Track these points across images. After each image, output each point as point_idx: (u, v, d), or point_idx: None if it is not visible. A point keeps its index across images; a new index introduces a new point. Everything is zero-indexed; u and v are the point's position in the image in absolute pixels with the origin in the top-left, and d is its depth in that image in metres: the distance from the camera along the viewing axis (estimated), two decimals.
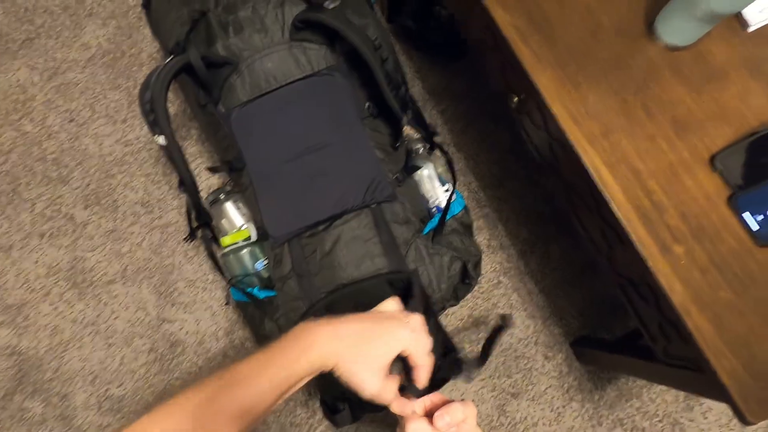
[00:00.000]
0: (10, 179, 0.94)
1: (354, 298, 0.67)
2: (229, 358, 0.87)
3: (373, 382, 0.41)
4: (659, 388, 0.84)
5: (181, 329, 0.88)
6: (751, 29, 0.57)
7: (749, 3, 0.49)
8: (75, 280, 0.90)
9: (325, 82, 0.70)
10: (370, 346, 0.41)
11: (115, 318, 0.88)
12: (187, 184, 0.68)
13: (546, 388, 0.85)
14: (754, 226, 0.50)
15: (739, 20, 0.57)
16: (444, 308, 0.71)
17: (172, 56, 0.65)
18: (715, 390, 0.48)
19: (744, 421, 0.46)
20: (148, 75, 0.66)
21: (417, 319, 0.45)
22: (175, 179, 0.95)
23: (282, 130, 0.70)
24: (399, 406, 0.44)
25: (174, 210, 0.93)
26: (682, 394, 0.83)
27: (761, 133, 0.53)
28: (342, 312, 0.67)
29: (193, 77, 0.68)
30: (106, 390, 0.85)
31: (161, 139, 0.65)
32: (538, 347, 0.86)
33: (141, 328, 0.88)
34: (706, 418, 0.83)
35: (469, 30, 0.70)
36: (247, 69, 0.68)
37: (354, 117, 0.71)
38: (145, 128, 0.97)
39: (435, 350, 0.54)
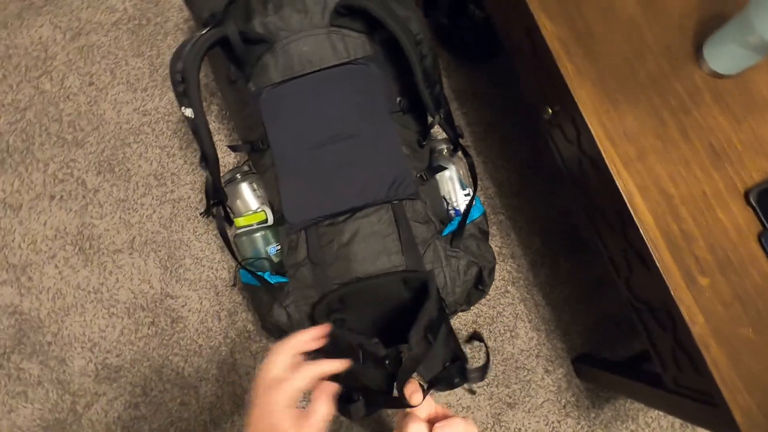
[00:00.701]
0: (25, 137, 0.92)
1: (367, 293, 0.67)
2: (229, 339, 0.87)
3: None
4: (656, 413, 0.84)
5: (184, 306, 0.87)
6: None
7: None
8: (82, 246, 0.89)
9: (360, 71, 0.69)
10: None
11: (119, 288, 0.88)
12: (210, 160, 0.67)
13: (543, 402, 0.85)
14: None
15: None
16: (456, 312, 0.71)
17: (208, 28, 0.63)
18: (726, 425, 0.48)
19: None
20: (182, 44, 0.65)
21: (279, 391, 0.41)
22: (191, 154, 0.94)
23: (311, 116, 0.69)
24: (412, 389, 0.44)
25: (187, 185, 0.92)
26: (677, 422, 0.84)
27: None
28: (355, 305, 0.67)
29: (227, 52, 0.67)
30: (104, 359, 0.85)
31: (189, 112, 0.64)
32: (540, 360, 0.86)
33: (144, 301, 0.87)
34: None
35: (508, 35, 0.69)
36: (282, 49, 0.67)
37: (385, 110, 0.70)
38: (165, 99, 0.96)
39: (444, 356, 0.54)
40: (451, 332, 0.58)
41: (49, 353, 0.85)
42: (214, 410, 0.83)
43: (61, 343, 0.85)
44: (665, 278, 0.50)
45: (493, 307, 0.88)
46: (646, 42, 0.57)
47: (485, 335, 0.87)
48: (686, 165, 0.53)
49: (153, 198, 0.91)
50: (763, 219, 0.51)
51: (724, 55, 0.55)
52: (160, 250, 0.89)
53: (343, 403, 0.56)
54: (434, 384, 0.50)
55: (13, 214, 0.89)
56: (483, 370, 0.52)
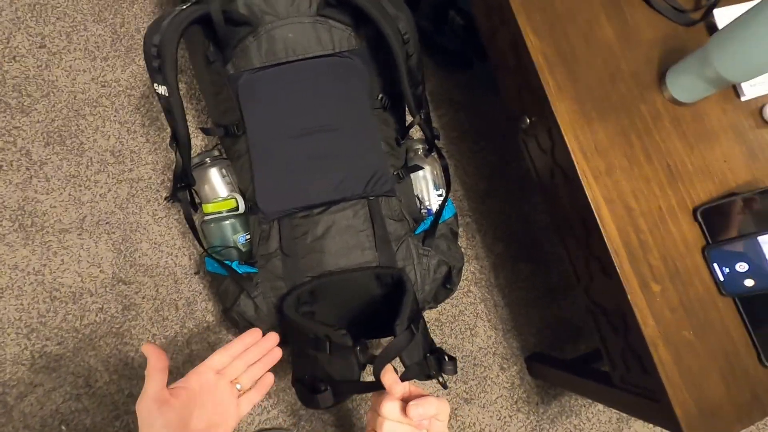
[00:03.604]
0: None
1: (338, 287, 0.67)
2: (186, 329, 0.83)
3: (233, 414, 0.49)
4: (596, 409, 0.91)
5: (137, 292, 0.82)
6: (743, 99, 0.63)
7: (752, 77, 0.54)
8: (22, 223, 0.81)
9: (344, 64, 0.68)
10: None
11: (64, 270, 0.81)
12: (182, 142, 0.64)
13: (497, 398, 0.89)
14: (720, 277, 0.56)
15: (736, 90, 0.63)
16: (423, 309, 0.73)
17: (190, 2, 0.60)
18: (666, 419, 0.53)
19: None
20: (160, 17, 0.61)
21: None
22: (153, 132, 0.88)
23: (291, 105, 0.67)
24: (388, 379, 0.45)
25: (148, 165, 0.87)
26: (614, 416, 0.91)
27: (738, 195, 0.59)
28: (325, 298, 0.67)
29: (207, 30, 0.64)
30: (43, 346, 0.78)
31: (162, 89, 0.61)
32: (496, 358, 0.90)
33: (93, 286, 0.81)
34: None
35: (494, 45, 0.71)
36: (266, 34, 0.65)
37: (366, 105, 0.70)
38: (127, 71, 0.90)
39: (421, 350, 0.55)
40: (425, 327, 0.59)
41: None
42: None
43: None
44: (624, 284, 0.54)
45: (456, 306, 0.91)
46: (619, 66, 0.61)
47: (447, 332, 0.90)
48: (647, 182, 0.58)
49: (109, 176, 0.85)
50: (706, 234, 0.57)
51: (684, 85, 0.60)
52: (113, 232, 0.83)
53: (309, 393, 0.56)
54: (412, 372, 0.52)
55: None
56: (455, 364, 0.54)
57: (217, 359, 0.50)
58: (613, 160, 0.58)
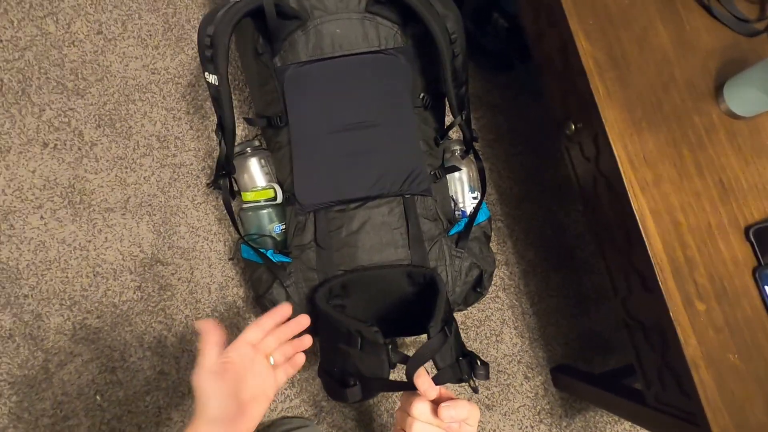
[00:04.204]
0: (21, 78, 0.87)
1: (370, 283, 0.67)
2: (218, 313, 0.85)
3: (270, 385, 0.50)
4: (622, 426, 0.88)
5: (173, 274, 0.85)
6: None
7: None
8: (72, 200, 0.85)
9: (389, 62, 0.68)
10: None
11: (107, 248, 0.84)
12: (227, 131, 0.66)
13: (519, 407, 0.87)
14: None
15: None
16: (453, 311, 0.72)
17: None
18: None
19: None
20: (213, 9, 0.63)
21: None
22: (197, 120, 0.91)
23: (335, 99, 0.68)
24: (423, 383, 0.45)
25: (190, 152, 0.89)
26: None
27: None
28: (356, 293, 0.67)
29: (258, 23, 0.66)
30: (84, 319, 0.82)
31: (213, 78, 0.63)
32: (521, 366, 0.89)
33: (132, 264, 0.84)
34: None
35: (540, 48, 0.70)
36: (314, 28, 0.66)
37: (408, 104, 0.70)
38: (176, 60, 0.93)
39: (453, 352, 0.55)
40: (457, 330, 0.59)
41: (25, 306, 0.81)
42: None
43: (39, 298, 0.81)
44: (666, 300, 0.52)
45: (482, 311, 0.90)
46: (674, 75, 0.59)
47: (473, 336, 0.89)
48: (697, 197, 0.56)
49: (153, 160, 0.88)
50: (759, 254, 0.55)
51: (742, 98, 0.58)
52: (154, 214, 0.86)
53: (338, 386, 0.57)
54: (444, 375, 0.51)
55: (0, 157, 0.84)
56: (487, 369, 0.54)
57: (251, 334, 0.51)
58: (662, 172, 0.56)
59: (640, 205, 0.55)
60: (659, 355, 0.57)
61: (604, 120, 0.57)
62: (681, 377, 0.53)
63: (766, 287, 0.54)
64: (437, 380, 0.48)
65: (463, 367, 0.53)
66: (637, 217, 0.55)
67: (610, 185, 0.59)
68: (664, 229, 0.55)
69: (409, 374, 0.47)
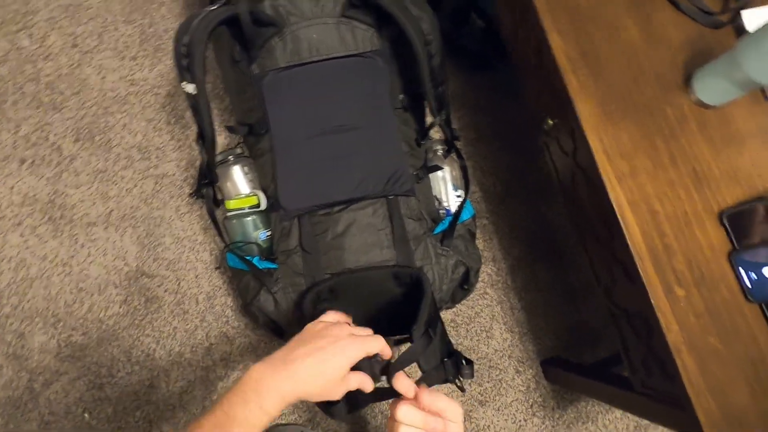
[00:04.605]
0: None
1: (357, 285, 0.67)
2: (206, 323, 0.84)
3: (339, 392, 0.45)
4: (614, 415, 0.89)
5: (160, 286, 0.84)
6: None
7: None
8: (52, 215, 0.84)
9: (367, 65, 0.69)
10: (326, 374, 0.44)
11: (91, 263, 0.83)
12: (207, 140, 0.66)
13: (512, 401, 0.88)
14: (747, 283, 0.55)
15: (765, 92, 0.62)
16: (440, 309, 0.73)
17: (219, 4, 0.62)
18: (689, 426, 0.52)
19: None
20: (188, 18, 0.63)
21: (343, 328, 0.48)
22: (178, 130, 0.90)
23: (314, 104, 0.68)
24: (401, 384, 0.46)
25: (172, 162, 0.89)
26: (632, 424, 0.89)
27: (765, 200, 0.57)
28: (344, 296, 0.67)
29: (234, 31, 0.66)
30: (69, 336, 0.80)
31: (190, 87, 0.62)
32: (511, 361, 0.90)
33: (117, 278, 0.83)
34: None
35: (515, 46, 0.72)
36: (291, 34, 0.66)
37: (387, 105, 0.71)
38: (155, 71, 0.92)
39: (438, 354, 0.55)
40: (444, 328, 0.59)
41: (7, 326, 0.79)
42: (184, 395, 0.81)
43: (21, 317, 0.80)
44: (647, 288, 0.54)
45: (472, 308, 0.91)
46: (644, 68, 0.61)
47: (463, 334, 0.90)
48: (672, 186, 0.57)
49: (135, 171, 0.87)
50: (733, 239, 0.56)
51: (710, 88, 0.59)
52: (138, 226, 0.85)
53: (324, 404, 0.56)
54: (429, 378, 0.52)
55: None
56: (472, 368, 0.54)
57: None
58: (637, 163, 0.58)
59: (617, 196, 0.56)
60: (643, 342, 0.58)
61: (578, 114, 0.58)
62: (665, 363, 0.54)
63: (741, 270, 0.55)
64: (422, 383, 0.49)
65: (448, 368, 0.53)
66: (615, 208, 0.56)
67: (588, 178, 0.60)
68: (641, 219, 0.56)
69: (390, 378, 0.47)
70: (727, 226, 0.57)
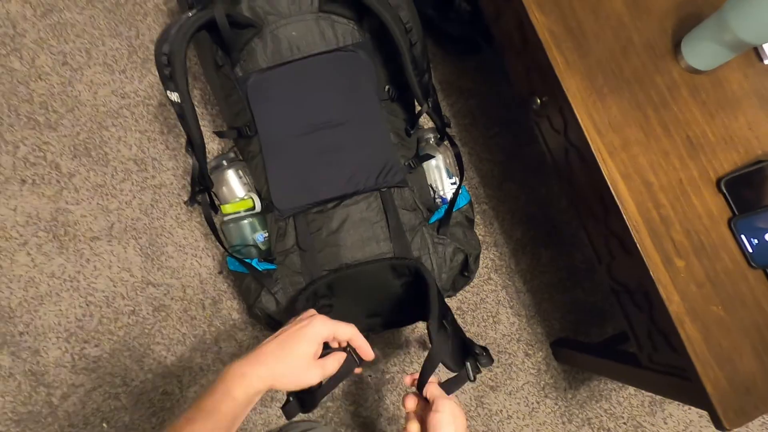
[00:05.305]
0: None
1: (355, 280, 0.67)
2: (214, 328, 0.85)
3: (312, 375, 0.45)
4: (627, 392, 0.89)
5: (166, 294, 0.86)
6: (767, 62, 0.60)
7: None
8: (56, 233, 0.85)
9: (349, 58, 0.69)
10: (292, 355, 0.44)
11: (97, 276, 0.85)
12: (197, 146, 0.66)
13: (523, 384, 0.88)
14: (749, 249, 0.54)
15: (758, 53, 0.60)
16: (444, 298, 0.73)
17: (194, 10, 0.62)
18: (697, 397, 0.52)
19: (720, 426, 0.50)
20: (167, 26, 0.63)
21: (309, 312, 0.49)
22: (172, 139, 0.91)
23: (300, 102, 0.68)
24: (435, 391, 0.49)
25: (169, 171, 0.90)
26: (647, 399, 0.89)
27: (764, 163, 0.56)
28: (343, 291, 0.68)
29: (214, 35, 0.66)
30: (82, 349, 0.82)
31: (174, 96, 0.63)
32: (520, 344, 0.89)
33: (124, 289, 0.85)
34: (666, 423, 0.89)
35: (499, 26, 0.70)
36: (270, 34, 0.66)
37: (373, 98, 0.70)
38: (144, 82, 0.93)
39: (458, 348, 0.56)
40: (454, 317, 0.60)
41: (21, 344, 0.81)
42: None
43: (35, 334, 0.82)
44: (645, 260, 0.53)
45: (477, 294, 0.91)
46: (631, 38, 0.59)
47: (470, 321, 0.89)
48: (665, 155, 0.56)
49: (133, 183, 0.88)
50: (732, 205, 0.55)
51: (700, 52, 0.58)
52: (140, 237, 0.87)
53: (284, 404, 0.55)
54: (452, 385, 0.52)
55: None
56: (489, 354, 0.55)
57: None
58: (629, 135, 0.56)
59: (610, 170, 0.55)
60: (647, 316, 0.57)
61: (566, 91, 0.57)
62: (669, 335, 0.54)
63: (742, 236, 0.54)
64: (448, 389, 0.50)
65: (469, 369, 0.54)
66: (609, 183, 0.55)
67: (580, 154, 0.60)
68: (636, 191, 0.55)
69: (420, 387, 0.49)
70: (726, 192, 0.55)
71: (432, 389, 0.49)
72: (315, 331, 0.45)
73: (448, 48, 1.02)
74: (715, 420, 0.50)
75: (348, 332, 0.48)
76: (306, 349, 0.45)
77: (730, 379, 0.50)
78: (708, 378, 0.50)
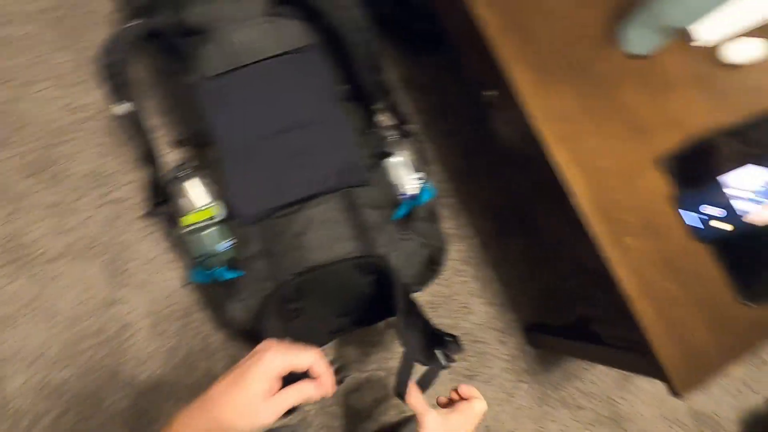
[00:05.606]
0: None
1: (322, 281, 0.67)
2: (185, 340, 0.84)
3: (264, 416, 0.39)
4: (598, 370, 0.91)
5: (134, 310, 0.84)
6: (695, 44, 0.62)
7: (696, 19, 0.54)
8: (13, 257, 0.82)
9: (302, 60, 0.68)
10: (240, 395, 0.39)
11: (59, 297, 0.82)
12: (150, 158, 0.65)
13: (499, 371, 0.90)
14: (693, 225, 0.56)
15: (685, 35, 0.63)
16: (410, 293, 0.73)
17: (137, 20, 0.61)
18: (653, 369, 0.54)
19: (676, 394, 0.52)
20: (109, 38, 0.61)
21: (265, 344, 0.43)
22: (129, 152, 0.89)
23: (255, 107, 0.68)
24: (417, 403, 0.48)
25: (128, 185, 0.87)
26: (618, 376, 0.92)
27: (701, 142, 0.59)
28: (312, 294, 0.68)
29: (160, 43, 0.65)
30: (47, 375, 0.79)
31: (121, 108, 0.61)
32: (494, 332, 0.91)
33: (88, 309, 0.82)
34: (636, 396, 0.92)
35: (449, 22, 0.71)
36: (220, 40, 0.65)
37: (330, 98, 0.70)
38: (96, 95, 0.90)
39: (422, 336, 0.56)
40: (421, 311, 0.60)
41: None
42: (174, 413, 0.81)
43: None
44: (596, 240, 0.55)
45: (448, 286, 0.92)
46: (574, 28, 0.61)
47: (443, 313, 0.91)
48: (612, 140, 0.58)
49: (90, 200, 0.86)
50: (674, 183, 0.57)
51: (635, 37, 0.60)
52: (103, 255, 0.84)
53: None
54: (428, 376, 0.53)
55: None
56: (458, 341, 0.56)
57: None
58: (577, 123, 0.58)
59: (560, 157, 0.57)
60: (605, 295, 0.59)
61: (514, 83, 0.59)
62: (624, 312, 0.56)
63: (685, 213, 0.56)
64: (425, 384, 0.50)
65: (439, 357, 0.55)
66: (560, 170, 0.56)
67: (532, 143, 0.61)
68: (587, 177, 0.57)
69: (401, 394, 0.49)
70: (669, 170, 0.58)
71: (413, 402, 0.48)
72: (267, 367, 0.39)
73: (408, 46, 1.02)
74: (672, 388, 0.53)
75: (306, 361, 0.41)
76: (257, 388, 0.39)
77: (683, 351, 0.53)
78: (662, 352, 0.52)
